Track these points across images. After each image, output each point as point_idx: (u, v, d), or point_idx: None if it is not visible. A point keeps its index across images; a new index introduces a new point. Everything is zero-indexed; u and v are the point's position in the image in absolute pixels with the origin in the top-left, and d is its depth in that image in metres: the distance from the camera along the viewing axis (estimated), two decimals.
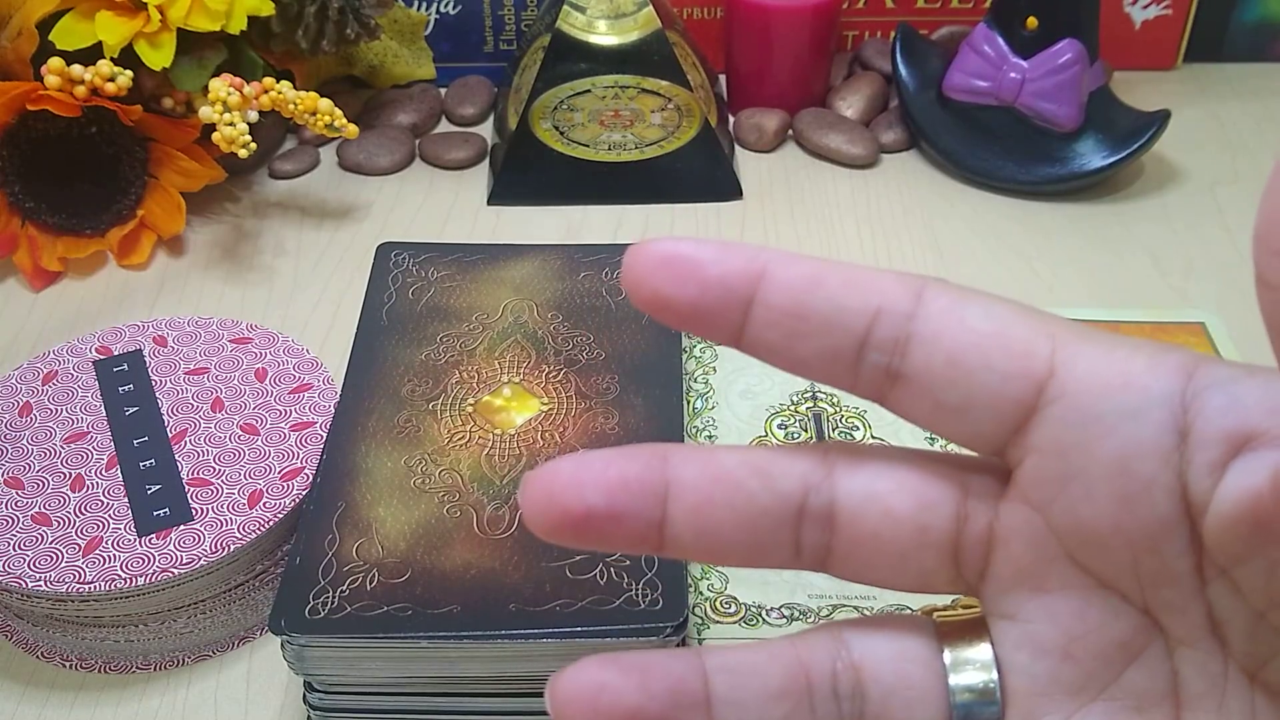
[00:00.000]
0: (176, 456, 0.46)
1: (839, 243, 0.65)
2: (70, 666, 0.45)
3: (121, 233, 0.63)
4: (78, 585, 0.41)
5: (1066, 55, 0.64)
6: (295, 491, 0.44)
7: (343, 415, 0.45)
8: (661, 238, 0.22)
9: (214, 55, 0.62)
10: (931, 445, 0.47)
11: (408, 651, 0.38)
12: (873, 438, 0.49)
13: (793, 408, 0.50)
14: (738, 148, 0.72)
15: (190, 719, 0.43)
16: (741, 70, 0.73)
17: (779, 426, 0.50)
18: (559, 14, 0.65)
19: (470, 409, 0.46)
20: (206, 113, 0.58)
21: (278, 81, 0.60)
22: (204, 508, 0.44)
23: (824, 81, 0.74)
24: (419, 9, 0.75)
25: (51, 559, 0.42)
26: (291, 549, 0.41)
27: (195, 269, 0.64)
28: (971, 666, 0.23)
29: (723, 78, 0.75)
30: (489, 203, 0.68)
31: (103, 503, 0.44)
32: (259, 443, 0.47)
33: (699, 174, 0.67)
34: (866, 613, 0.43)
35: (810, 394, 0.52)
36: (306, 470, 0.45)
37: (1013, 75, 0.66)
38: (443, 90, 0.76)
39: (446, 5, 0.75)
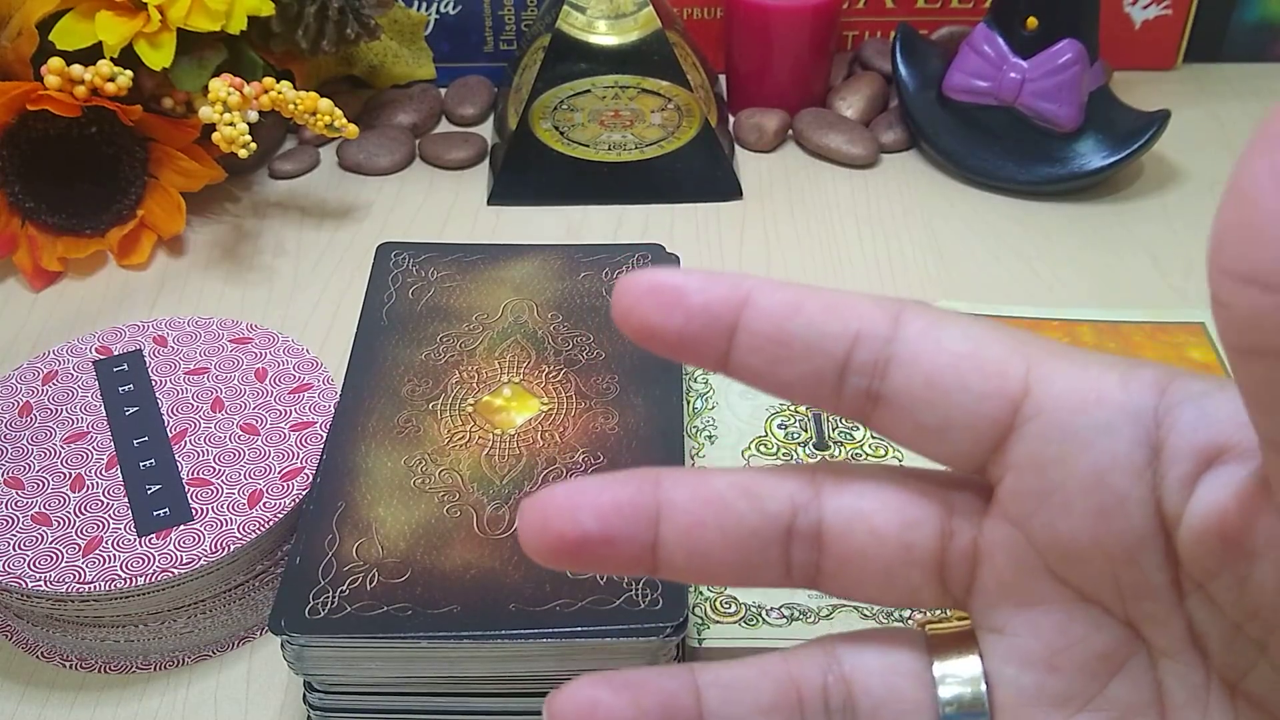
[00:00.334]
0: (176, 456, 0.46)
1: (839, 243, 0.65)
2: (70, 666, 0.45)
3: (121, 233, 0.63)
4: (78, 585, 0.41)
5: (1066, 55, 0.64)
6: (295, 491, 0.44)
7: (343, 415, 0.45)
8: (649, 269, 0.23)
9: (214, 55, 0.62)
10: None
11: (408, 651, 0.38)
12: (872, 437, 0.49)
13: (793, 408, 0.50)
14: (738, 148, 0.72)
15: (190, 719, 0.43)
16: (741, 70, 0.73)
17: (779, 426, 0.50)
18: (559, 14, 0.65)
19: (470, 409, 0.46)
20: (206, 113, 0.58)
21: (278, 81, 0.60)
22: (204, 508, 0.44)
23: (824, 81, 0.74)
24: (419, 9, 0.75)
25: (51, 559, 0.42)
26: (291, 549, 0.41)
27: (195, 269, 0.64)
28: (960, 679, 0.23)
29: (723, 78, 0.75)
30: (489, 203, 0.68)
31: (103, 503, 0.44)
32: (259, 443, 0.47)
33: (699, 174, 0.67)
34: (865, 613, 0.43)
35: None
36: (306, 470, 0.45)
37: (1013, 75, 0.66)
38: (443, 90, 0.76)
39: (446, 5, 0.75)
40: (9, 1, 0.61)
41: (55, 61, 0.57)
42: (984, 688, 0.23)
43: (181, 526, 0.43)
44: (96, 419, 0.48)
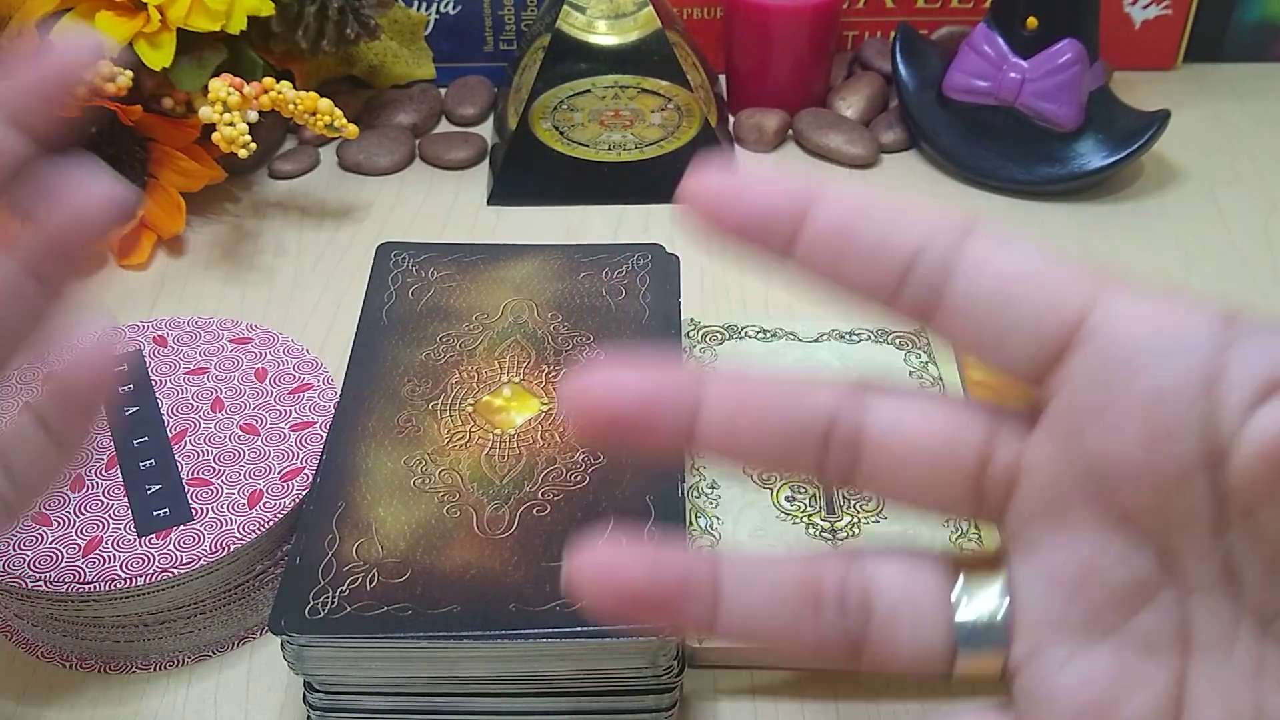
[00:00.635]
0: (176, 456, 0.46)
1: None
2: (70, 666, 0.45)
3: (121, 233, 0.63)
4: (78, 585, 0.41)
5: (1066, 55, 0.64)
6: (295, 491, 0.44)
7: (343, 415, 0.45)
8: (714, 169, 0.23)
9: (214, 55, 0.62)
10: None
11: (408, 651, 0.38)
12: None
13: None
14: (738, 148, 0.72)
15: (190, 719, 0.43)
16: (741, 70, 0.73)
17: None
18: (559, 14, 0.65)
19: (470, 409, 0.46)
20: (206, 113, 0.58)
21: (278, 81, 0.60)
22: (204, 508, 0.44)
23: (824, 81, 0.74)
24: (419, 9, 0.75)
25: (51, 559, 0.42)
26: (291, 549, 0.41)
27: (195, 269, 0.64)
28: (983, 594, 0.24)
29: (723, 78, 0.75)
30: (489, 203, 0.68)
31: (103, 503, 0.44)
32: (259, 443, 0.47)
33: None
34: None
35: None
36: (306, 470, 0.45)
37: (1013, 75, 0.66)
38: (443, 90, 0.76)
39: (446, 5, 0.75)
40: (9, 1, 0.61)
41: None
42: (1006, 604, 0.23)
43: (181, 527, 0.43)
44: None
